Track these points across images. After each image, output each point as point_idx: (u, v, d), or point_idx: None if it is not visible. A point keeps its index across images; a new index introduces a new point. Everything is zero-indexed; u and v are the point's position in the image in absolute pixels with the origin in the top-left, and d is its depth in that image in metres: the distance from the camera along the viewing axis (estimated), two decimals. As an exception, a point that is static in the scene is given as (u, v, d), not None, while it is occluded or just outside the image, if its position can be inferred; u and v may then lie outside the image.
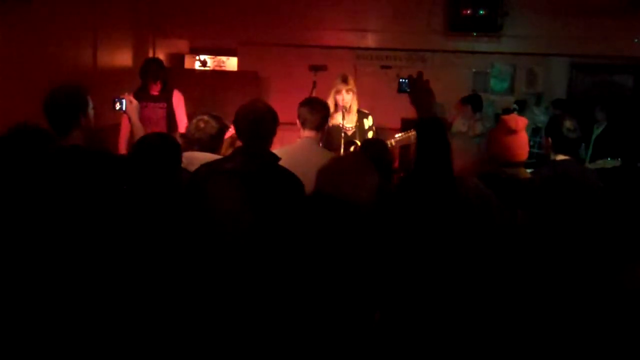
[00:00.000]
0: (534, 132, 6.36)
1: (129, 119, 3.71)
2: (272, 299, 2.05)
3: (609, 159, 4.56)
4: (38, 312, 2.18)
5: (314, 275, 2.01)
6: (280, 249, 2.14)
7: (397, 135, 4.19)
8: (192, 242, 2.33)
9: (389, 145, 3.92)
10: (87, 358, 2.11)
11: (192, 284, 2.22)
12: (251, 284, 2.18)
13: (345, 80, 4.25)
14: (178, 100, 5.08)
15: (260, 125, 2.69)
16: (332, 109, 4.15)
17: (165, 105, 5.00)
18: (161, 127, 4.83)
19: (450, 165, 2.17)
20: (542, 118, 6.55)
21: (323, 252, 2.03)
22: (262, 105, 2.80)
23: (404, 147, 4.35)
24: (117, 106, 3.65)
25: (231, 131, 3.82)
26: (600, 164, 4.60)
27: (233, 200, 2.50)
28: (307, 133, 3.41)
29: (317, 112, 3.38)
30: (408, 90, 2.34)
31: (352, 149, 4.14)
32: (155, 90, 4.97)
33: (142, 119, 4.51)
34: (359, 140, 4.23)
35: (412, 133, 4.10)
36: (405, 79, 2.39)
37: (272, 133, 2.76)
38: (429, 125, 2.20)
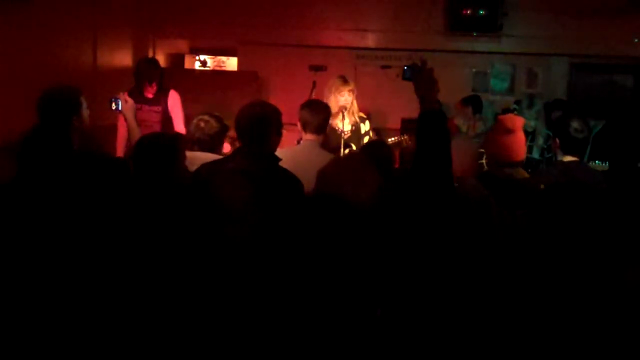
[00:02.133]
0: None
1: (125, 119, 3.71)
2: (274, 296, 2.06)
3: (597, 162, 4.55)
4: (41, 313, 2.18)
5: (316, 273, 2.02)
6: (282, 248, 2.14)
7: (390, 139, 4.21)
8: (195, 240, 2.33)
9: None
10: (93, 357, 2.12)
11: (196, 283, 2.23)
12: (254, 281, 2.18)
13: (346, 81, 4.27)
14: (174, 102, 4.70)
15: (258, 125, 2.67)
16: (333, 110, 4.18)
17: (161, 109, 4.64)
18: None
19: (450, 158, 2.17)
20: (532, 123, 6.43)
21: (324, 251, 2.03)
22: (261, 106, 2.78)
23: (403, 148, 4.37)
24: (113, 106, 3.67)
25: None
26: None
27: (239, 199, 2.51)
28: (308, 136, 3.42)
29: (317, 114, 3.39)
30: (412, 78, 2.32)
31: (346, 152, 4.14)
32: (149, 93, 4.62)
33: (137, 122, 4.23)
34: (355, 144, 4.22)
35: (405, 137, 4.14)
36: (409, 66, 2.36)
37: (273, 134, 2.72)
38: (432, 117, 2.19)
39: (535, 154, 5.72)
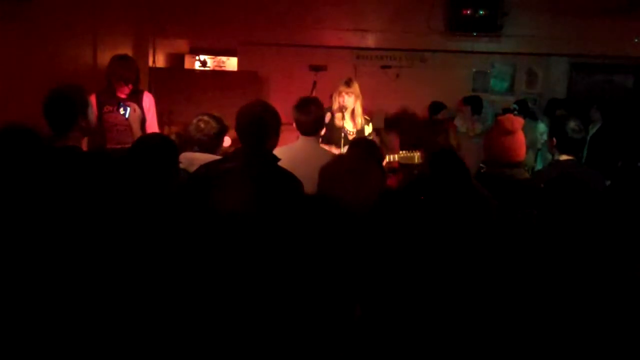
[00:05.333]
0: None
1: (131, 128, 3.70)
2: (272, 295, 2.06)
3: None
4: (35, 313, 2.18)
5: (314, 272, 2.01)
6: (281, 247, 2.14)
7: (401, 152, 4.15)
8: (194, 241, 2.33)
9: (390, 160, 3.97)
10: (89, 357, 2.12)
11: (193, 283, 2.23)
12: (252, 281, 2.18)
13: (348, 84, 4.32)
14: (150, 104, 4.32)
15: (258, 126, 2.68)
16: (335, 109, 4.25)
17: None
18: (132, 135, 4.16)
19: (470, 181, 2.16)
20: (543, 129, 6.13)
21: (323, 250, 2.03)
22: (261, 106, 2.79)
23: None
24: (122, 111, 3.67)
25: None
26: None
27: (238, 199, 2.51)
28: (304, 135, 3.44)
29: (308, 114, 3.30)
30: None
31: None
32: (123, 93, 4.18)
33: (107, 126, 4.08)
34: None
35: (417, 153, 4.08)
36: None
37: (272, 134, 2.74)
38: (442, 157, 2.18)
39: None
